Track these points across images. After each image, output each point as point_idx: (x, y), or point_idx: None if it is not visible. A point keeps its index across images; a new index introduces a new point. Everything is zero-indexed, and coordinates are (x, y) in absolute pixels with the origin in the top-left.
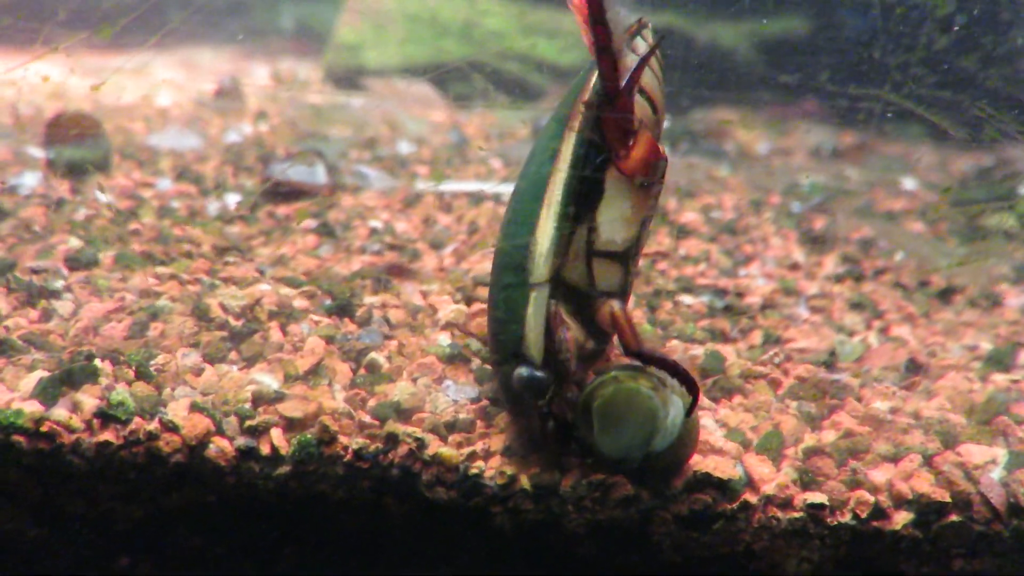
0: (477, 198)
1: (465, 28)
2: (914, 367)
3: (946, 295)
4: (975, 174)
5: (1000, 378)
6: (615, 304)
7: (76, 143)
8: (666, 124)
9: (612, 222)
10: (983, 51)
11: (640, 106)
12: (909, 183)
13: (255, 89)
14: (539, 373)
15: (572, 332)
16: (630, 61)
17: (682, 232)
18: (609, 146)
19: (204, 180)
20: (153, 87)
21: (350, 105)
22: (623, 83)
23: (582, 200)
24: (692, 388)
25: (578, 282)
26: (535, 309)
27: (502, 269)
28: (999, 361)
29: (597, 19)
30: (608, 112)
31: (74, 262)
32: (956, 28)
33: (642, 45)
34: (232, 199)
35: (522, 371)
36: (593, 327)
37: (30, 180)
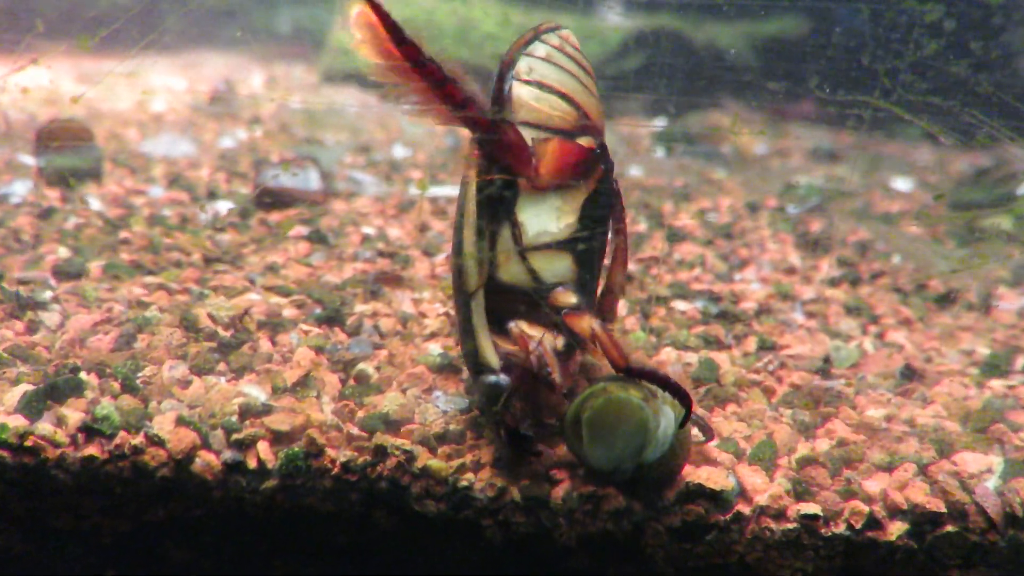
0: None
1: (461, 31)
2: (910, 373)
3: (943, 299)
4: (973, 175)
5: (997, 384)
6: (595, 323)
7: (67, 151)
8: (662, 125)
9: (537, 216)
10: (974, 56)
11: (552, 105)
12: (902, 184)
13: (250, 93)
14: (498, 379)
15: (547, 340)
16: (528, 65)
17: (677, 236)
18: (514, 173)
19: (197, 187)
20: (146, 92)
21: (346, 109)
22: (489, 120)
23: (498, 205)
24: (685, 400)
25: (520, 282)
26: (478, 318)
27: (455, 291)
28: (996, 367)
29: (439, 88)
30: (490, 148)
31: (62, 272)
32: (946, 33)
33: (541, 49)
34: (224, 206)
35: (486, 379)
36: (557, 324)
37: (20, 188)
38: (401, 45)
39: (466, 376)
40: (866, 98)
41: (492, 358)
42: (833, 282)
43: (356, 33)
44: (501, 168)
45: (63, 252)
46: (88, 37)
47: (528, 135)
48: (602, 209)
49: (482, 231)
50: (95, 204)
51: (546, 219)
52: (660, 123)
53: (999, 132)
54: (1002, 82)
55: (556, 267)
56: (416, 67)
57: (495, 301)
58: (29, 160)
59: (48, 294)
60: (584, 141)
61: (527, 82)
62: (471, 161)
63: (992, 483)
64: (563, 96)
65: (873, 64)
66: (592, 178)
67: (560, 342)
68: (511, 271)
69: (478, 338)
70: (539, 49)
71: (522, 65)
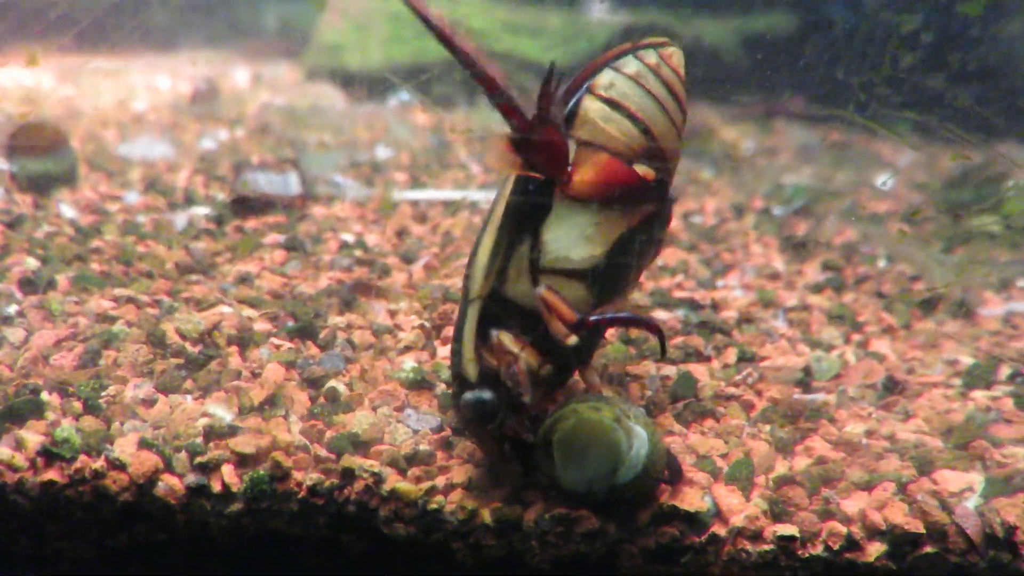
0: (453, 207)
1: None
2: (892, 385)
3: (928, 304)
4: (960, 174)
5: (980, 395)
6: (541, 287)
7: (41, 155)
8: None
9: (562, 239)
10: (950, 69)
11: (620, 129)
12: (889, 182)
13: (234, 91)
14: (484, 396)
15: (523, 361)
16: (609, 79)
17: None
18: (545, 174)
19: (174, 192)
20: (130, 91)
21: (332, 108)
22: (529, 119)
23: (525, 217)
24: (653, 330)
25: (523, 301)
26: (470, 326)
27: (462, 298)
28: (979, 377)
29: (476, 76)
30: (525, 146)
31: (29, 285)
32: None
33: (632, 65)
34: (201, 212)
35: (468, 396)
36: (549, 351)
37: None
38: (436, 35)
39: (439, 392)
40: (840, 111)
41: (472, 369)
42: (817, 288)
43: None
44: (533, 168)
45: (31, 263)
46: (36, 53)
47: (572, 147)
48: (640, 248)
49: (500, 241)
50: (68, 211)
51: (571, 244)
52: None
53: (973, 144)
54: (979, 95)
55: (567, 295)
56: (452, 52)
57: (497, 312)
58: (2, 165)
59: (13, 308)
60: (641, 169)
61: (601, 98)
62: (504, 157)
63: (973, 503)
64: (636, 120)
65: (849, 77)
66: (638, 213)
67: (548, 369)
68: (518, 288)
69: (463, 346)
70: (630, 65)
71: (603, 78)
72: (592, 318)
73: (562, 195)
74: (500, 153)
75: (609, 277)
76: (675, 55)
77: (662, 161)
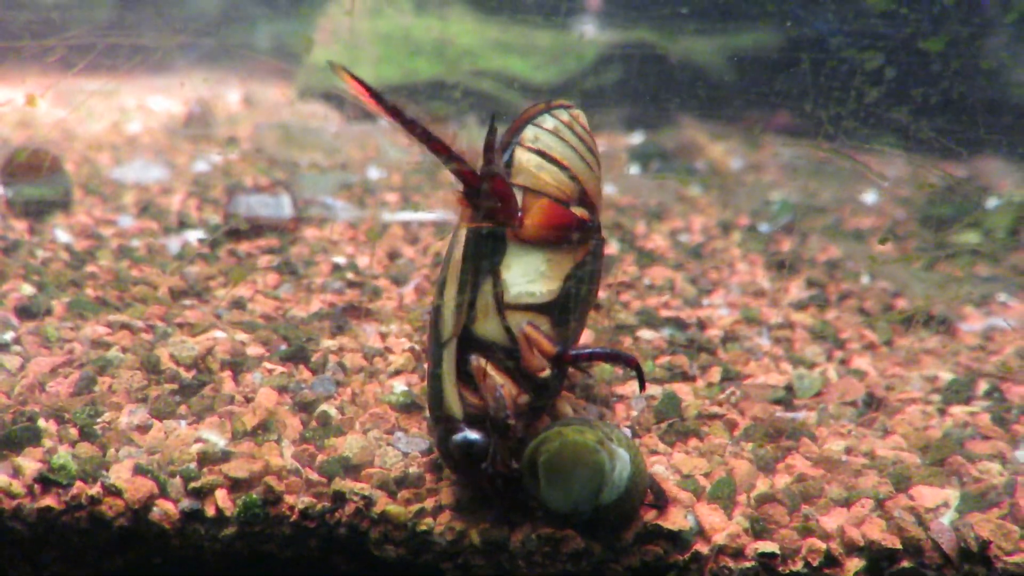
0: (443, 228)
1: (438, 47)
2: (872, 402)
3: (909, 320)
4: (943, 189)
5: (958, 411)
6: (523, 325)
7: (36, 180)
8: (637, 142)
9: (522, 276)
10: (913, 102)
11: (553, 176)
12: (870, 197)
13: (226, 113)
14: (473, 437)
15: (506, 386)
16: (534, 134)
17: (648, 259)
18: (497, 220)
19: (167, 215)
20: (124, 114)
21: (324, 129)
22: (477, 172)
23: (483, 258)
24: (630, 364)
25: (495, 338)
26: (447, 366)
27: (430, 331)
28: (958, 393)
29: (423, 139)
30: (477, 199)
31: (25, 311)
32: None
33: (549, 122)
34: (194, 236)
35: (457, 438)
36: (526, 381)
37: None
38: (385, 109)
39: (429, 415)
40: (810, 144)
41: (456, 408)
42: (801, 305)
43: (348, 89)
44: (488, 217)
45: (27, 289)
46: (36, 95)
47: (519, 195)
48: (586, 281)
49: (464, 283)
50: (63, 236)
51: (529, 281)
52: (636, 138)
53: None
54: (942, 126)
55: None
56: (403, 125)
57: (466, 352)
58: None
59: (10, 335)
60: (578, 211)
61: (530, 149)
62: (460, 211)
63: (948, 518)
64: (563, 168)
65: (816, 110)
66: (580, 249)
67: (524, 399)
68: (487, 327)
69: (444, 386)
70: (547, 122)
71: (528, 133)
72: (572, 352)
73: (514, 237)
74: (455, 206)
75: (567, 308)
76: (580, 115)
77: (590, 203)
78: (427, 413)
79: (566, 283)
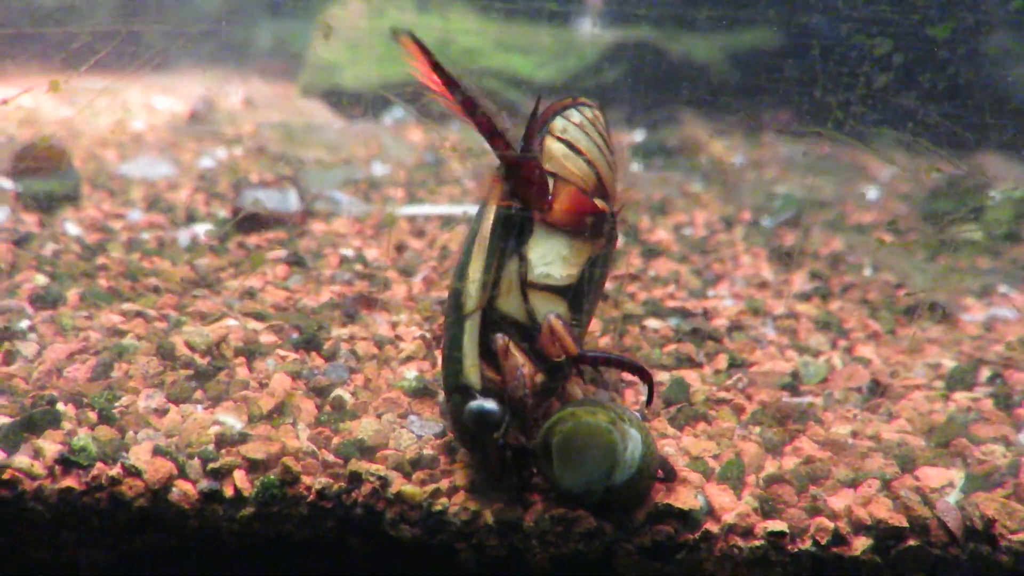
0: (449, 221)
1: (441, 45)
2: (876, 388)
3: (912, 311)
4: (944, 184)
5: (961, 397)
6: (551, 316)
7: (45, 175)
8: (639, 139)
9: (545, 257)
10: (921, 88)
11: (578, 167)
12: (872, 193)
13: (229, 111)
14: (489, 406)
15: (526, 368)
16: (563, 125)
17: (653, 252)
18: (527, 203)
19: (175, 210)
20: (128, 112)
21: (328, 126)
22: (517, 155)
23: (511, 235)
24: (644, 376)
25: (516, 315)
26: (469, 338)
27: (449, 310)
28: (961, 379)
29: (471, 117)
30: (511, 178)
31: (40, 300)
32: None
33: (576, 116)
34: (202, 229)
35: (472, 405)
36: (541, 361)
37: None
38: (440, 77)
39: (441, 399)
40: (819, 129)
41: (475, 379)
42: (805, 296)
43: (405, 55)
44: (519, 199)
45: (40, 280)
46: (59, 80)
47: (549, 181)
48: (602, 270)
49: (491, 258)
50: (73, 229)
51: (552, 263)
52: (639, 135)
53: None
54: (949, 112)
55: (552, 309)
56: (453, 96)
57: (484, 329)
58: (7, 184)
59: (25, 323)
60: (599, 203)
61: (559, 138)
62: (492, 190)
63: (953, 497)
64: (587, 161)
65: (826, 96)
66: (599, 240)
67: (540, 378)
68: (510, 303)
69: (465, 357)
70: (575, 116)
71: (558, 123)
72: (591, 354)
73: (541, 220)
74: (490, 185)
75: (583, 293)
76: (600, 115)
77: (608, 197)
78: (440, 398)
79: (585, 269)
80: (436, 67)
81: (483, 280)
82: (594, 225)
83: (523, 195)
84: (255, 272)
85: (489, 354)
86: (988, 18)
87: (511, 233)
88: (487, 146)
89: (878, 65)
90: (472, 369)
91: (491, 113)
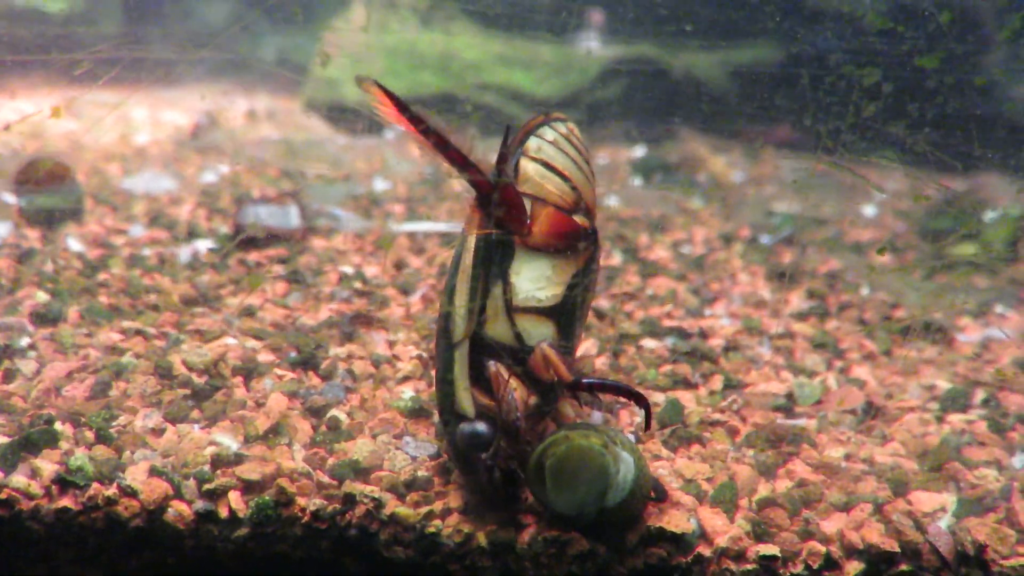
0: (449, 238)
1: (443, 61)
2: (871, 409)
3: (908, 331)
4: (942, 202)
5: (956, 419)
6: (543, 344)
7: (48, 190)
8: (640, 155)
9: (529, 280)
10: (909, 117)
11: (555, 185)
12: (870, 211)
13: (232, 126)
14: (480, 428)
15: (519, 390)
16: (537, 144)
17: (650, 270)
18: (506, 228)
19: (177, 225)
20: (131, 126)
21: (330, 141)
22: (491, 182)
23: (492, 262)
24: (640, 402)
25: (505, 339)
26: (460, 367)
27: (440, 334)
28: (955, 401)
29: (443, 152)
30: (489, 206)
31: (40, 318)
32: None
33: (549, 134)
34: (203, 245)
35: (464, 427)
36: (533, 383)
37: (1, 230)
38: (408, 118)
39: (437, 420)
40: (811, 157)
41: (469, 407)
42: (801, 315)
43: (372, 102)
44: (498, 224)
45: (41, 296)
46: (60, 107)
47: (527, 204)
48: (586, 286)
49: (475, 287)
50: (75, 245)
51: (536, 285)
52: (639, 151)
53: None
54: (938, 141)
55: (540, 331)
56: (423, 135)
57: (475, 355)
58: (10, 199)
59: (25, 340)
60: (580, 219)
61: (534, 159)
62: (471, 218)
63: (945, 522)
64: (565, 178)
65: (815, 124)
66: (582, 256)
67: (533, 400)
68: (497, 328)
69: (457, 386)
70: (548, 134)
71: (531, 144)
72: (586, 380)
73: (522, 244)
74: (468, 214)
75: (568, 312)
76: (575, 128)
77: (588, 213)
78: (435, 418)
79: (569, 288)
80: (403, 109)
81: (468, 309)
82: (576, 242)
83: (502, 221)
84: (255, 290)
85: (482, 379)
86: (976, 48)
87: (493, 260)
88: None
89: (868, 94)
90: (464, 395)
91: (461, 145)
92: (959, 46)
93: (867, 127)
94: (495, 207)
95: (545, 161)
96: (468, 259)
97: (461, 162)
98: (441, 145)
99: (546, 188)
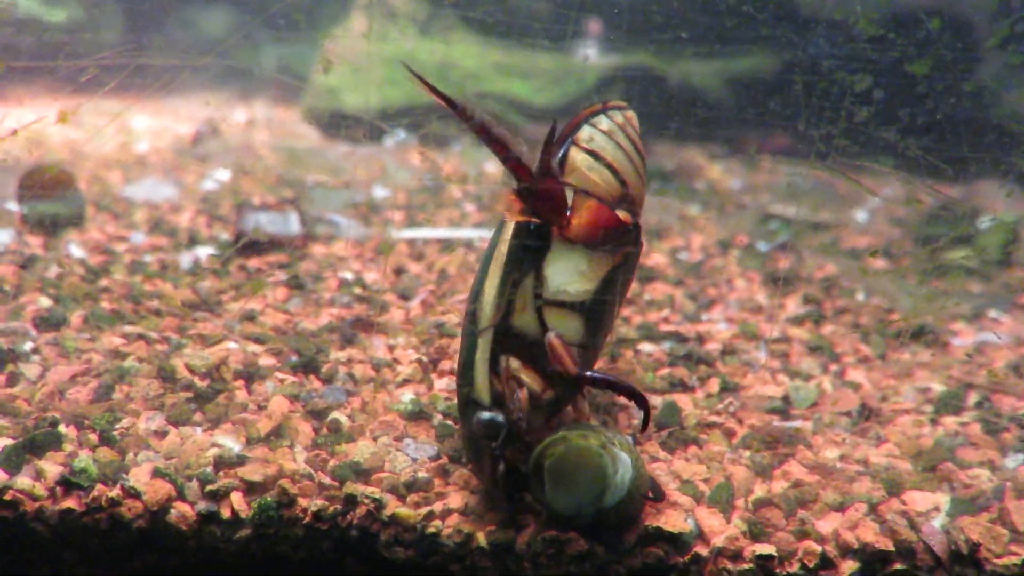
0: (448, 245)
1: (442, 69)
2: (866, 412)
3: (902, 335)
4: (937, 208)
5: (950, 421)
6: (551, 335)
7: (50, 197)
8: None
9: (561, 273)
10: (901, 122)
11: (602, 177)
12: (865, 217)
13: (232, 133)
14: (497, 417)
15: (526, 388)
16: (589, 134)
17: (648, 276)
18: (545, 220)
19: (178, 232)
20: (132, 134)
21: (330, 149)
22: (533, 173)
23: (528, 251)
24: (641, 403)
25: (529, 331)
26: (482, 354)
27: (465, 321)
28: (949, 404)
29: (486, 141)
30: (529, 196)
31: (43, 323)
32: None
33: (604, 123)
34: (204, 252)
35: (482, 415)
36: (551, 376)
37: (3, 237)
38: (453, 107)
39: (436, 422)
40: (806, 163)
41: (486, 395)
42: (797, 320)
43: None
44: (536, 214)
45: (44, 302)
46: (67, 112)
47: (570, 194)
48: (622, 284)
49: (507, 276)
50: (77, 252)
51: (569, 279)
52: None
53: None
54: (929, 146)
55: (567, 326)
56: (468, 123)
57: (500, 343)
58: (12, 207)
59: (29, 345)
60: (622, 214)
61: (584, 149)
62: (511, 206)
63: (939, 521)
64: (613, 170)
65: (808, 130)
66: (620, 252)
67: (549, 394)
68: (524, 319)
69: (476, 372)
70: (603, 123)
71: (584, 133)
72: (589, 375)
73: (559, 235)
74: (507, 203)
75: (599, 310)
76: (634, 117)
77: (634, 206)
78: (435, 421)
79: (602, 284)
80: (449, 102)
81: (497, 297)
82: (615, 237)
83: (541, 212)
84: (256, 295)
85: (496, 367)
86: (965, 55)
87: (529, 250)
88: (504, 168)
89: (859, 100)
90: (483, 385)
91: (504, 135)
92: (949, 52)
93: (859, 132)
94: (535, 197)
95: (595, 152)
96: (503, 247)
97: (503, 150)
98: (484, 134)
99: (592, 179)
